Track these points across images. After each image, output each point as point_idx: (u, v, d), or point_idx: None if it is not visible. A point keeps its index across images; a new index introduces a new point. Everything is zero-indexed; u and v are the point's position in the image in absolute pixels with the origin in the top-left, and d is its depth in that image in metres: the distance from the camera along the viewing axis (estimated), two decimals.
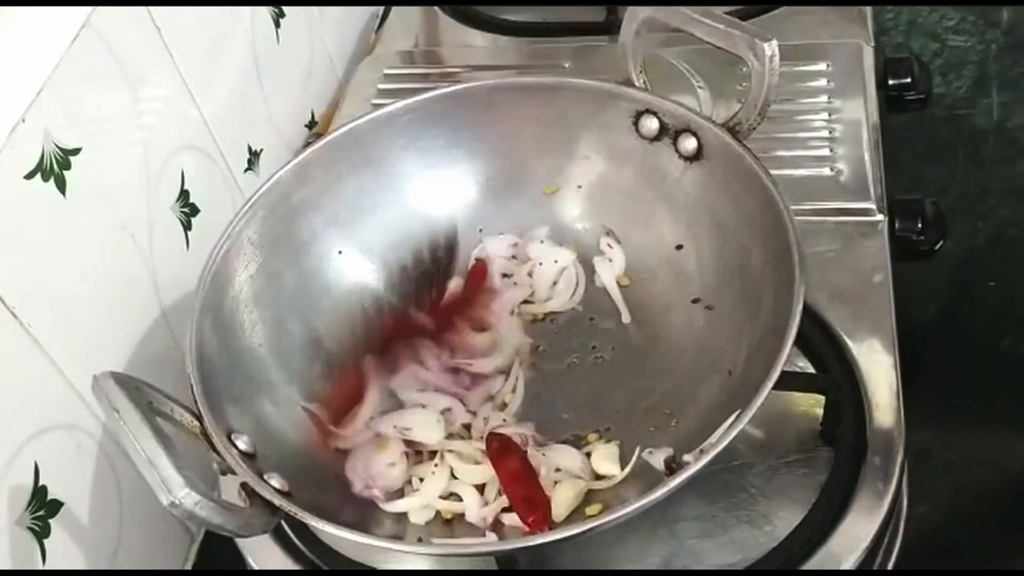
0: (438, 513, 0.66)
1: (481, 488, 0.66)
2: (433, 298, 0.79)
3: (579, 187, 0.80)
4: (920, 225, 0.82)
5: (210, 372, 0.64)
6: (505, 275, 0.79)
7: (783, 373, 0.57)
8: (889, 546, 0.68)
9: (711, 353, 0.70)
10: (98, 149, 0.68)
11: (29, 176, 0.63)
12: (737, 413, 0.57)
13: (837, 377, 0.71)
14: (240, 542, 0.68)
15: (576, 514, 0.64)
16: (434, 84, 0.81)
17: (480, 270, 0.79)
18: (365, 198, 0.78)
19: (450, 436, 0.69)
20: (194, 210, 0.80)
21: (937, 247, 0.84)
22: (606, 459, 0.66)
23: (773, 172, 0.67)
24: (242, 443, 0.61)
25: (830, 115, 0.89)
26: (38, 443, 0.63)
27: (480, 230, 0.80)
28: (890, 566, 0.69)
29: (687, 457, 0.60)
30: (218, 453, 0.59)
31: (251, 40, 0.90)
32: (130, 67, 0.72)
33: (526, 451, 0.66)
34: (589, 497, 0.65)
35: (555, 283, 0.78)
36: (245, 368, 0.69)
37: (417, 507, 0.66)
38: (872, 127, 0.87)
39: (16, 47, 0.62)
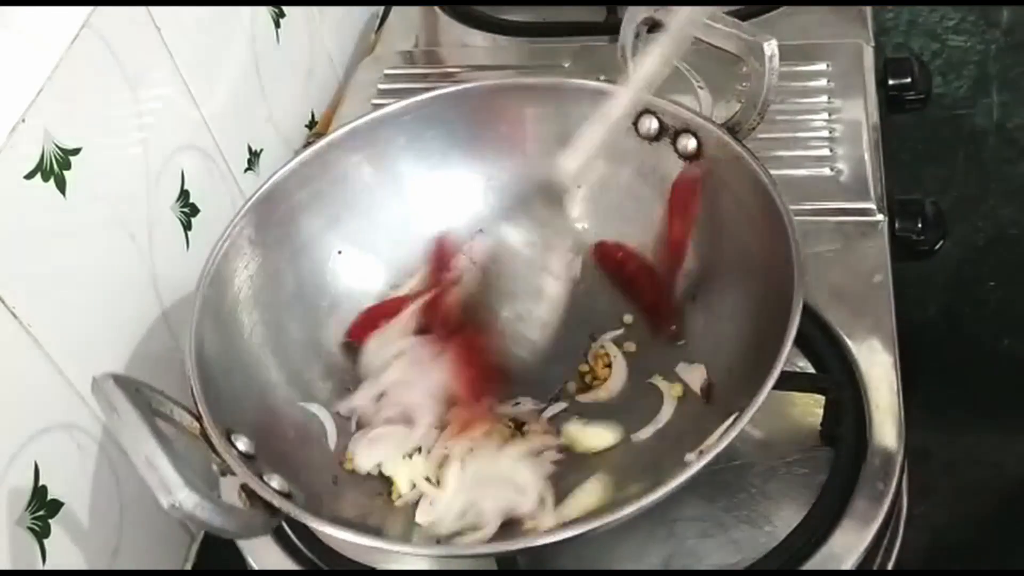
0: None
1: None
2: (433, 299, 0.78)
3: (579, 187, 0.79)
4: (920, 225, 0.82)
5: (210, 372, 0.64)
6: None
7: (783, 373, 0.57)
8: (889, 546, 0.68)
9: (711, 353, 0.70)
10: (98, 149, 0.68)
11: (29, 176, 0.63)
12: (737, 413, 0.57)
13: (837, 377, 0.71)
14: (240, 542, 0.68)
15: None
16: (434, 84, 0.81)
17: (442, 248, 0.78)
18: (365, 198, 0.78)
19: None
20: (194, 210, 0.80)
21: (937, 247, 0.83)
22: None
23: (773, 172, 0.67)
24: (242, 444, 0.61)
25: (830, 115, 0.89)
26: (38, 443, 0.63)
27: (480, 230, 0.80)
28: (890, 566, 0.68)
29: (688, 456, 0.60)
30: (218, 454, 0.59)
31: (251, 40, 0.90)
32: (130, 67, 0.72)
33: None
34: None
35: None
36: (245, 368, 0.69)
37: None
38: (872, 127, 0.87)
39: (16, 47, 0.62)
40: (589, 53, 1.00)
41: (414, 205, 0.80)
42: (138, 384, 0.58)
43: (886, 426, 0.68)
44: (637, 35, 0.74)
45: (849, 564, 0.63)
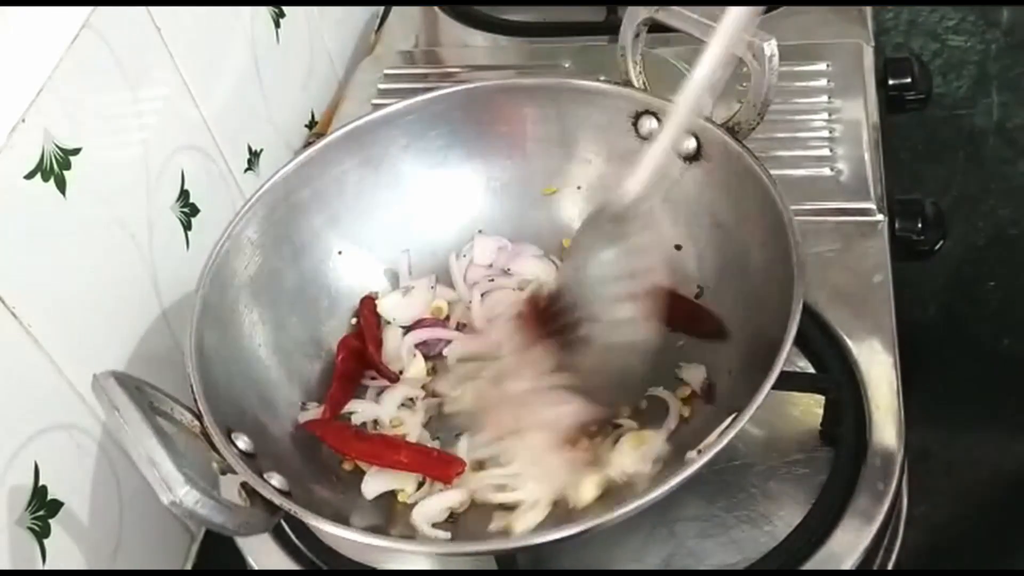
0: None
1: None
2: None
3: (579, 188, 0.80)
4: (920, 225, 0.82)
5: (210, 372, 0.64)
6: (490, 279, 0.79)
7: (783, 373, 0.57)
8: (889, 546, 0.68)
9: (711, 353, 0.70)
10: (98, 149, 0.68)
11: (29, 176, 0.63)
12: (737, 413, 0.57)
13: (837, 377, 0.71)
14: (240, 542, 0.68)
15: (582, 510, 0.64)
16: (434, 84, 0.82)
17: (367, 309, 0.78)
18: (365, 198, 0.78)
19: None
20: (194, 210, 0.80)
21: (937, 247, 0.83)
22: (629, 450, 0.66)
23: (773, 172, 0.67)
24: (242, 442, 0.61)
25: (830, 115, 0.89)
26: (38, 443, 0.63)
27: (479, 231, 0.80)
28: (890, 566, 0.69)
29: (688, 455, 0.60)
30: (218, 452, 0.59)
31: (251, 40, 0.90)
32: (130, 67, 0.72)
33: None
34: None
35: None
36: (245, 368, 0.69)
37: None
38: (872, 127, 0.87)
39: (16, 47, 0.62)
40: (589, 53, 1.00)
41: (414, 205, 0.80)
42: (138, 382, 0.58)
43: (886, 426, 0.68)
44: (637, 35, 0.74)
45: (849, 564, 0.63)
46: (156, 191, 0.76)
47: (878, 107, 0.89)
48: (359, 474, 0.69)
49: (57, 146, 0.65)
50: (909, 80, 0.95)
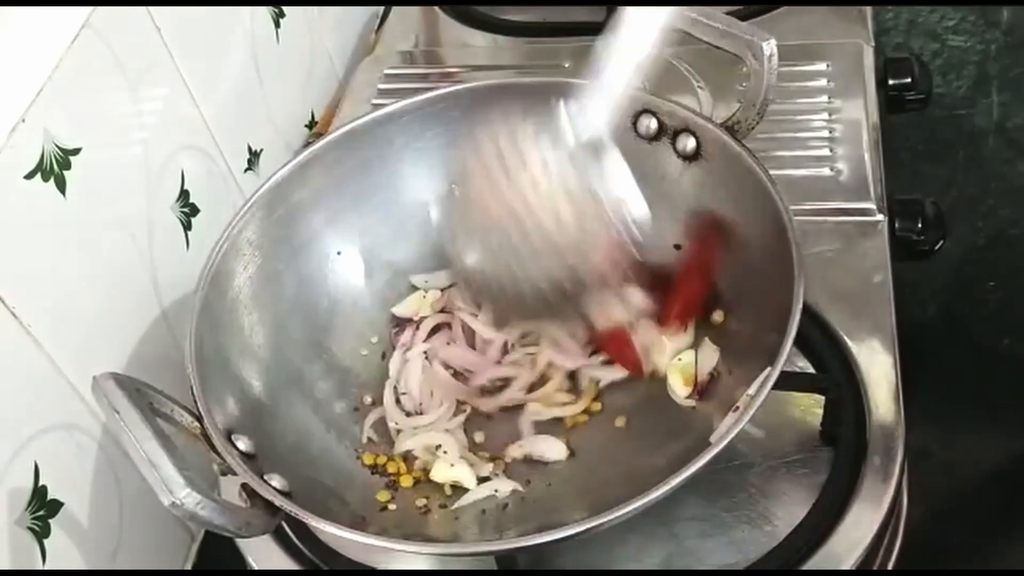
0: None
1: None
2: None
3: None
4: (920, 225, 0.82)
5: (210, 373, 0.64)
6: None
7: (783, 373, 0.57)
8: (889, 546, 0.68)
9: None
10: (98, 149, 0.68)
11: (29, 176, 0.63)
12: (737, 414, 0.57)
13: (837, 377, 0.71)
14: (240, 542, 0.68)
15: (578, 511, 0.64)
16: (434, 84, 0.81)
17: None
18: (365, 198, 0.78)
19: None
20: (194, 210, 0.80)
21: (937, 247, 0.83)
22: None
23: (773, 172, 0.67)
24: (242, 444, 0.61)
25: (830, 115, 0.89)
26: (38, 443, 0.63)
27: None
28: (890, 566, 0.69)
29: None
30: (218, 454, 0.59)
31: (251, 40, 0.90)
32: (130, 67, 0.72)
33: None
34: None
35: None
36: (245, 369, 0.69)
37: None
38: (872, 127, 0.87)
39: (16, 47, 0.62)
40: (589, 53, 1.00)
41: (414, 206, 0.80)
42: (138, 384, 0.58)
43: (886, 426, 0.68)
44: None
45: (849, 564, 0.63)
46: (156, 191, 0.76)
47: (878, 107, 0.89)
48: (359, 474, 0.68)
49: (57, 146, 0.65)
50: (909, 80, 0.95)
